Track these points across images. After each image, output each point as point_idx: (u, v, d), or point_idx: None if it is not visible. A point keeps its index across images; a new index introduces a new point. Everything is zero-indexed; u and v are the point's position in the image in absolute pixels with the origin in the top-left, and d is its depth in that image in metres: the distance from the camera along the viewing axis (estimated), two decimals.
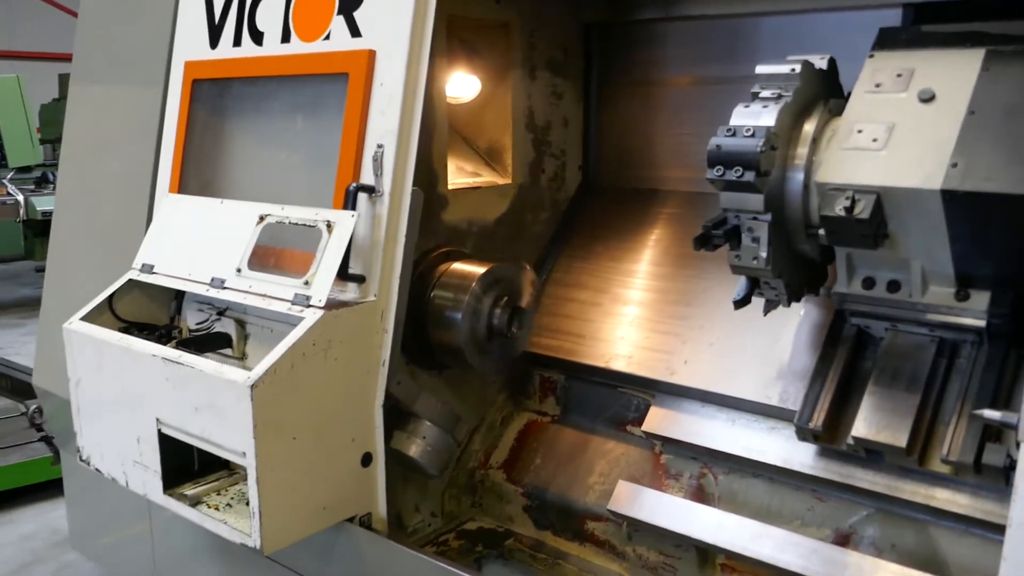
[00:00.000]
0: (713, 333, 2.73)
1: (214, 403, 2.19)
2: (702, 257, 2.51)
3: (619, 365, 2.86)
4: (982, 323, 2.06)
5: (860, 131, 2.05)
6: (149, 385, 2.37)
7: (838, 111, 2.17)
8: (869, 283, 2.18)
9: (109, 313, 2.67)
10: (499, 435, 3.09)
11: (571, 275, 3.17)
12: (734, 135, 2.10)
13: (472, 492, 3.02)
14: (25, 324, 9.56)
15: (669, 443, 2.69)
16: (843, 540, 2.32)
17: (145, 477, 2.46)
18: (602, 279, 3.09)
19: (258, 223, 2.46)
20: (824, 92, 2.23)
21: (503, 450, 3.05)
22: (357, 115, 2.35)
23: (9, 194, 10.27)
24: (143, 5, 3.20)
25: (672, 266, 2.97)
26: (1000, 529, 1.62)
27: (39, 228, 10.10)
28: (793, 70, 2.17)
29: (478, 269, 2.71)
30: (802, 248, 2.24)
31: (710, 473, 2.60)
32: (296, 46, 2.57)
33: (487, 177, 3.13)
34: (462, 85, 3.08)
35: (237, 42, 2.74)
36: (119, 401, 2.51)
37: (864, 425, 2.18)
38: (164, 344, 2.47)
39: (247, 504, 2.18)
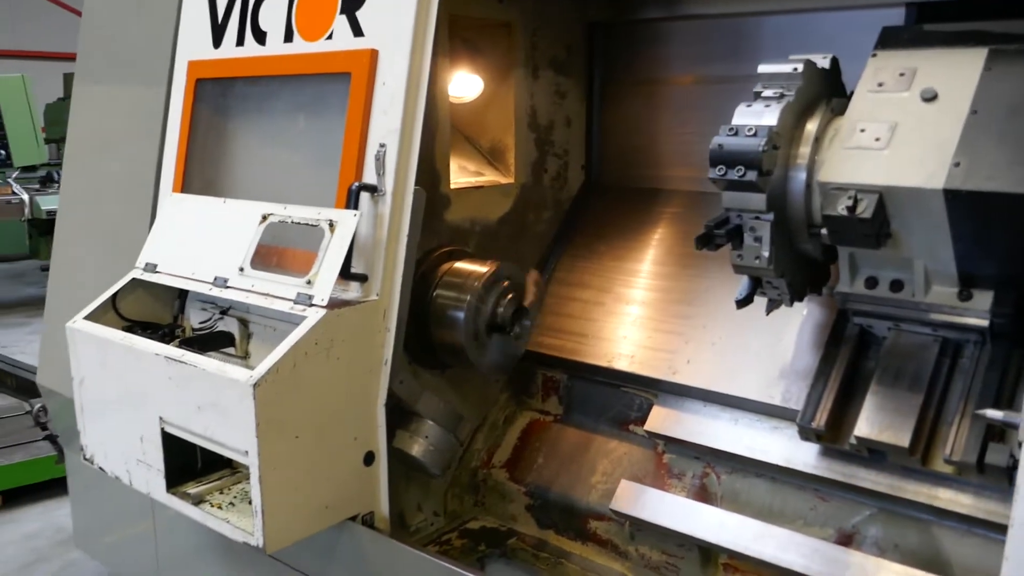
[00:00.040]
0: (716, 332, 2.73)
1: (217, 402, 2.19)
2: (705, 256, 2.51)
3: (622, 364, 2.86)
4: (985, 323, 2.06)
5: (862, 130, 2.05)
6: (152, 384, 2.38)
7: (840, 110, 2.17)
8: (872, 283, 2.18)
9: (113, 312, 2.68)
10: (502, 434, 3.09)
11: (574, 274, 3.17)
12: (736, 134, 2.09)
13: (475, 491, 3.02)
14: (30, 323, 9.58)
15: (672, 443, 2.69)
16: (846, 540, 2.32)
17: (148, 476, 2.47)
18: (605, 278, 3.09)
19: (261, 222, 2.47)
20: (826, 91, 2.23)
21: (506, 449, 3.05)
22: (359, 114, 2.35)
23: (14, 193, 10.28)
24: (146, 5, 3.21)
25: (675, 265, 2.97)
26: (1003, 529, 1.61)
27: (44, 227, 10.11)
28: (795, 69, 2.16)
29: (481, 268, 2.71)
30: (804, 247, 2.24)
31: (713, 473, 2.60)
32: (299, 46, 2.58)
33: (490, 176, 3.13)
34: (464, 84, 3.08)
35: (240, 42, 2.75)
36: (122, 400, 2.51)
37: (867, 425, 2.18)
38: (167, 343, 2.48)
39: (250, 503, 2.18)
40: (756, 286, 2.31)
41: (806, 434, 2.31)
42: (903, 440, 2.11)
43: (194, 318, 2.78)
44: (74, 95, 3.60)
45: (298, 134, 2.71)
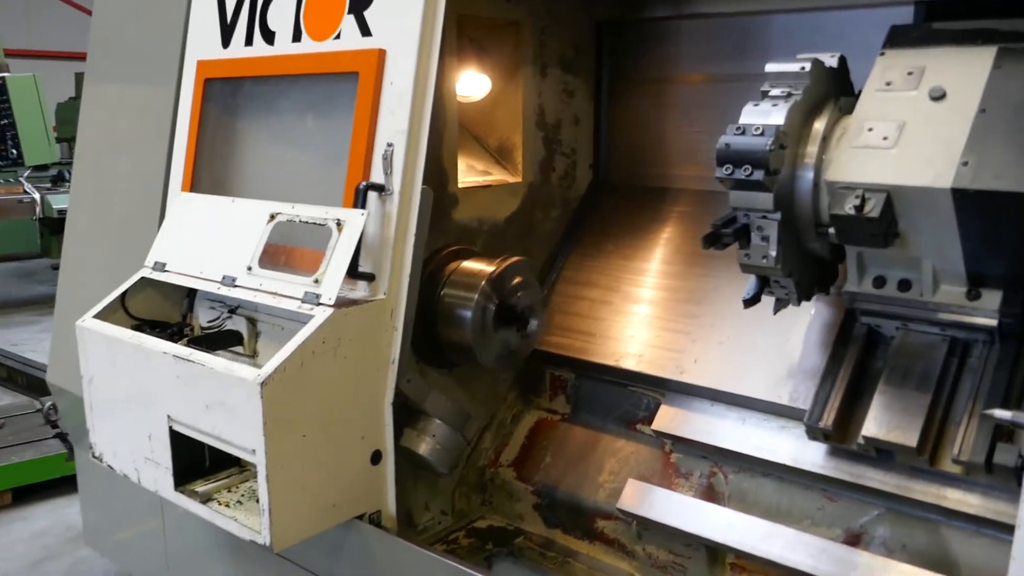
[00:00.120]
0: (723, 332, 2.72)
1: (224, 401, 2.20)
2: (712, 256, 2.51)
3: (629, 364, 2.86)
4: (993, 322, 2.05)
5: (870, 129, 2.05)
6: (161, 382, 2.39)
7: (848, 109, 2.16)
8: (880, 282, 2.17)
9: (122, 311, 2.69)
10: (509, 433, 3.09)
11: (582, 273, 3.17)
12: (743, 133, 2.09)
13: (482, 490, 3.03)
14: (41, 321, 9.62)
15: (679, 442, 2.69)
16: (853, 540, 2.31)
17: (157, 474, 2.48)
18: (613, 277, 3.09)
19: (269, 221, 2.47)
20: (834, 90, 2.22)
21: (513, 448, 3.05)
22: (367, 114, 2.36)
23: (26, 192, 10.33)
24: (156, 4, 3.22)
25: (682, 264, 2.97)
26: (1011, 530, 1.61)
27: (55, 226, 10.15)
28: (803, 68, 2.16)
29: (488, 267, 2.71)
30: (812, 247, 2.23)
31: (720, 472, 2.60)
32: (307, 45, 2.58)
33: (497, 175, 3.13)
34: (472, 84, 3.08)
35: (249, 41, 2.76)
36: (131, 398, 2.52)
37: (875, 425, 2.17)
38: (176, 342, 2.48)
39: (257, 501, 2.19)
40: (763, 285, 2.30)
41: (814, 434, 2.30)
42: (911, 440, 2.11)
43: (203, 317, 2.79)
44: (84, 94, 3.61)
45: (306, 133, 2.72)
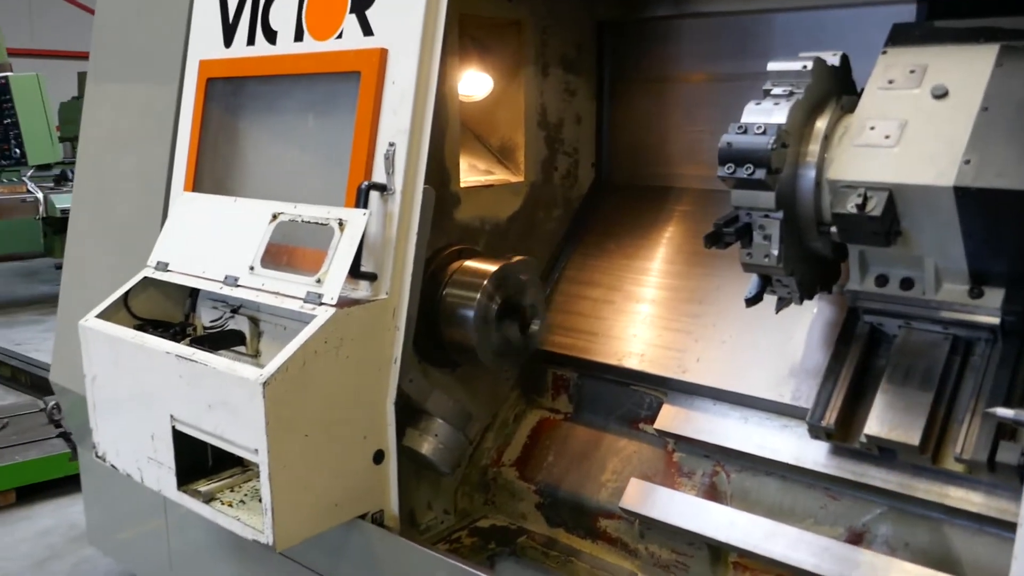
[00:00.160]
0: (726, 331, 2.72)
1: (227, 400, 2.20)
2: (715, 255, 2.51)
3: (632, 363, 2.86)
4: (996, 320, 2.05)
5: (872, 128, 2.04)
6: (163, 382, 2.39)
7: (850, 108, 2.16)
8: (882, 280, 2.17)
9: (124, 310, 2.70)
10: (512, 433, 3.09)
11: (584, 273, 3.17)
12: (745, 132, 2.09)
13: (485, 489, 3.03)
14: (44, 321, 9.65)
15: (681, 441, 2.69)
16: (856, 538, 2.31)
17: (160, 473, 2.48)
18: (615, 277, 3.08)
19: (271, 221, 2.48)
20: (836, 89, 2.22)
21: (516, 448, 3.05)
22: (369, 113, 2.36)
23: (29, 191, 10.35)
24: (158, 4, 3.22)
25: (685, 264, 2.97)
26: (1014, 528, 1.61)
27: (58, 225, 10.18)
28: (805, 67, 2.16)
29: (490, 267, 2.71)
30: (814, 246, 2.23)
31: (723, 471, 2.60)
32: (309, 45, 2.59)
33: (500, 175, 3.13)
34: (474, 83, 3.08)
35: (251, 41, 2.76)
36: (134, 398, 2.53)
37: (877, 423, 2.17)
38: (178, 342, 2.49)
39: (260, 501, 2.19)
40: (766, 284, 2.30)
41: (816, 432, 2.30)
42: (913, 438, 2.10)
43: (205, 317, 2.79)
44: (87, 94, 3.62)
45: (308, 133, 2.72)
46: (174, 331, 2.70)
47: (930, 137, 1.96)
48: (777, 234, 2.15)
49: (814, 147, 2.13)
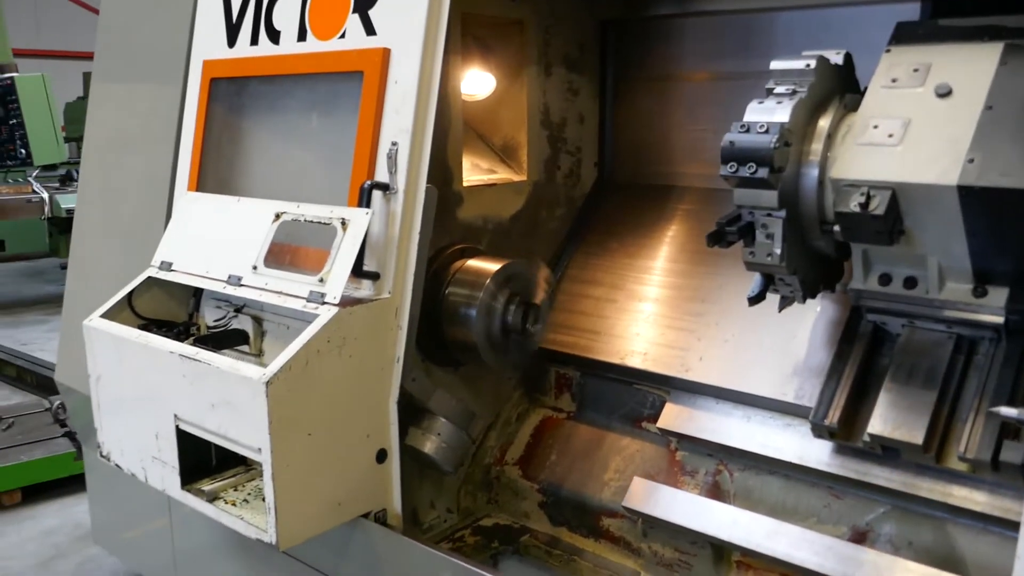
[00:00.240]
0: (728, 330, 2.72)
1: (230, 400, 2.21)
2: (717, 254, 2.50)
3: (634, 362, 2.86)
4: (1000, 319, 2.04)
5: (876, 126, 2.04)
6: (167, 382, 2.39)
7: (854, 106, 2.15)
8: (885, 279, 2.16)
9: (129, 310, 2.70)
10: (514, 431, 3.09)
11: (586, 272, 3.17)
12: (748, 131, 2.09)
13: (488, 488, 3.03)
14: (49, 320, 9.67)
15: (684, 440, 2.69)
16: (859, 537, 2.31)
17: (163, 473, 2.49)
18: (617, 276, 3.08)
19: (274, 221, 2.48)
20: (840, 87, 2.21)
21: (518, 446, 3.05)
22: (372, 113, 2.36)
23: (34, 192, 10.37)
24: (162, 4, 3.23)
25: (687, 263, 2.97)
26: (1018, 527, 1.61)
27: (63, 225, 10.19)
28: (808, 65, 2.15)
29: (493, 266, 2.71)
30: (817, 244, 2.23)
31: (725, 470, 2.60)
32: (312, 45, 2.59)
33: (502, 174, 3.14)
34: (477, 82, 3.08)
35: (254, 41, 2.76)
36: (138, 397, 2.53)
37: (880, 422, 2.17)
38: (182, 341, 2.49)
39: (263, 500, 2.20)
40: (768, 283, 2.30)
41: (819, 431, 2.30)
42: (917, 437, 2.10)
43: (209, 316, 2.79)
44: (91, 94, 3.63)
45: (311, 133, 2.73)
46: (178, 331, 2.70)
47: (934, 136, 1.95)
48: (780, 233, 2.14)
49: (817, 146, 2.13)
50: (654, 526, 2.62)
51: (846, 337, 2.39)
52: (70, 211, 9.81)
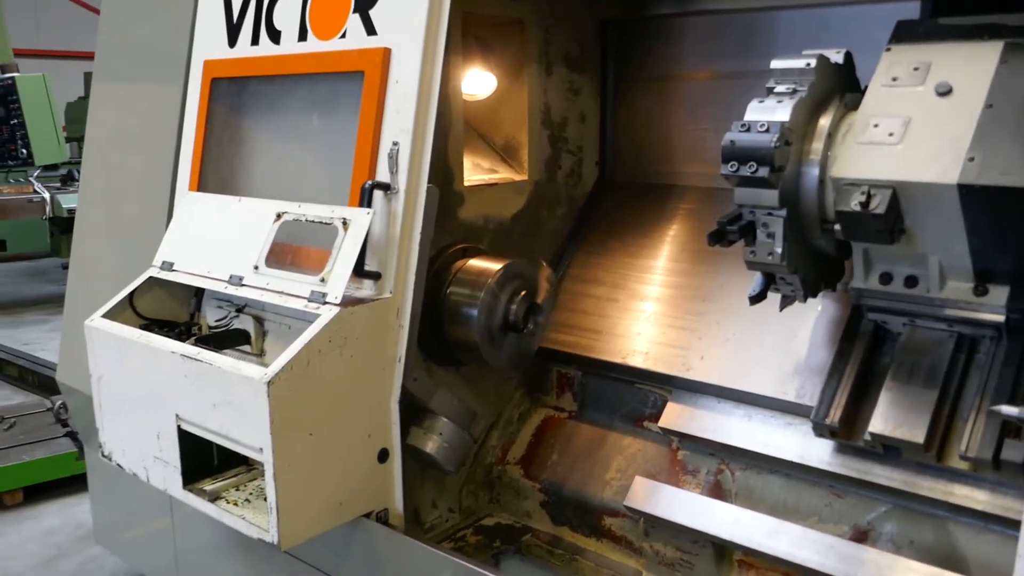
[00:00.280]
0: (730, 329, 2.72)
1: (232, 399, 2.21)
2: (718, 253, 2.50)
3: (636, 361, 2.86)
4: (1001, 318, 2.04)
5: (876, 125, 2.04)
6: (168, 382, 2.40)
7: (854, 105, 2.15)
8: (886, 278, 2.16)
9: (130, 310, 2.70)
10: (516, 431, 3.09)
11: (588, 271, 3.17)
12: (748, 130, 2.09)
13: (489, 488, 3.03)
14: (51, 320, 9.67)
15: (686, 439, 2.69)
16: (861, 536, 2.31)
17: (165, 473, 2.49)
18: (619, 275, 3.09)
19: (275, 221, 2.48)
20: (840, 86, 2.21)
21: (520, 446, 3.05)
22: (373, 113, 2.36)
23: (35, 191, 10.38)
24: (163, 4, 3.23)
25: (688, 262, 2.97)
26: (1019, 526, 1.61)
27: (65, 225, 10.20)
28: (808, 64, 2.15)
29: (494, 265, 2.71)
30: (818, 243, 2.23)
31: (727, 469, 2.60)
32: (313, 44, 2.59)
33: (503, 174, 3.14)
34: (478, 82, 3.09)
35: (255, 41, 2.76)
36: (140, 397, 2.54)
37: (882, 421, 2.17)
38: (183, 341, 2.50)
39: (265, 500, 2.20)
40: (769, 282, 2.30)
41: (820, 430, 2.30)
42: (918, 436, 2.10)
43: (210, 316, 2.80)
44: (92, 94, 3.63)
45: (312, 133, 2.73)
46: (179, 330, 2.71)
47: (934, 134, 1.95)
48: (780, 232, 2.14)
49: (817, 145, 2.13)
50: (656, 525, 2.62)
51: (847, 336, 2.39)
52: (71, 211, 9.82)
